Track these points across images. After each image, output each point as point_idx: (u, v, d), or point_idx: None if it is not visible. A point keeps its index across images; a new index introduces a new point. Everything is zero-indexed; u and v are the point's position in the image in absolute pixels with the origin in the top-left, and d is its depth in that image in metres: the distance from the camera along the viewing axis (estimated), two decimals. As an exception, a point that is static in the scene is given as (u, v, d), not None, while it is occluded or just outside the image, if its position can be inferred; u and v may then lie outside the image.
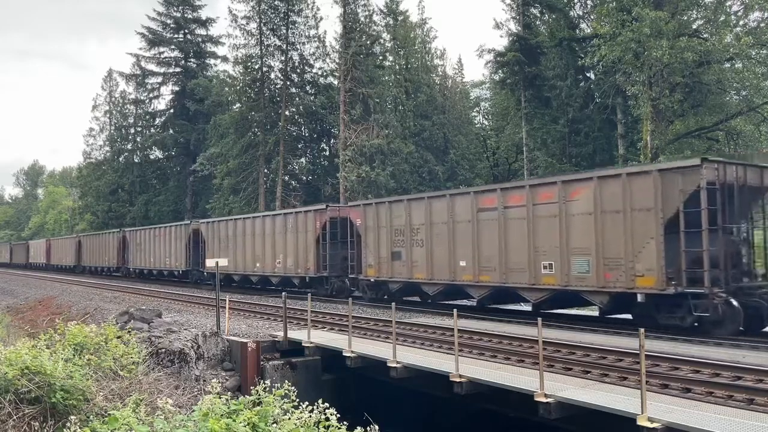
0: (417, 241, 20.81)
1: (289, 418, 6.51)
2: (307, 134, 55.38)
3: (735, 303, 13.44)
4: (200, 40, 66.21)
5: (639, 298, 14.38)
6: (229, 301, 17.64)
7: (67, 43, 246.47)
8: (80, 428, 6.69)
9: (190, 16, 65.69)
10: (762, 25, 29.25)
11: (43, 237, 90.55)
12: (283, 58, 51.76)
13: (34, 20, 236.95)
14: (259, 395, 7.12)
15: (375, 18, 49.86)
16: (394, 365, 11.48)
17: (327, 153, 55.85)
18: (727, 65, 30.08)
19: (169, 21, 65.50)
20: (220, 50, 64.98)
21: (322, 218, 25.91)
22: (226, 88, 56.45)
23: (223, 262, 17.57)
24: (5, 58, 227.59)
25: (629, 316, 16.08)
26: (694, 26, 30.81)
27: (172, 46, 66.08)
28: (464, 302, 21.06)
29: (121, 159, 71.82)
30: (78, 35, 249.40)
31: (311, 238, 26.26)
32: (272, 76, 52.69)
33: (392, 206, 22.22)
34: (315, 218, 26.21)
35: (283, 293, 15.78)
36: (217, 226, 34.51)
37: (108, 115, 75.82)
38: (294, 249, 27.27)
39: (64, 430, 7.33)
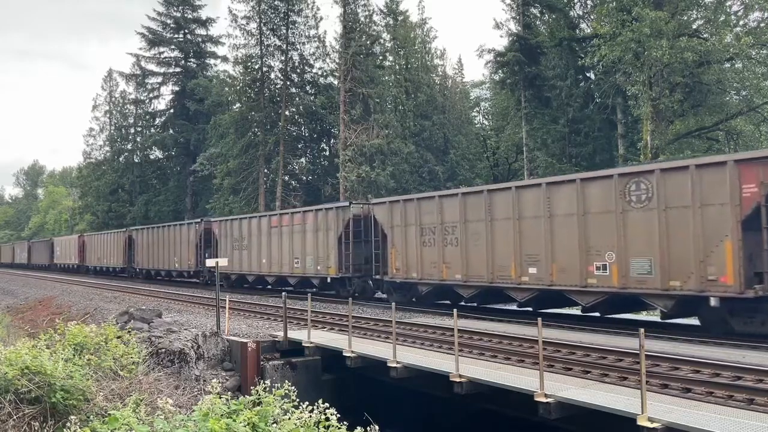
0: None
1: (289, 418, 6.51)
2: (307, 134, 55.37)
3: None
4: (200, 40, 66.23)
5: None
6: (229, 301, 17.64)
7: (67, 43, 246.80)
8: (80, 428, 6.69)
9: (190, 16, 65.71)
10: (762, 25, 29.25)
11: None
12: (283, 58, 51.76)
13: (35, 20, 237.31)
14: (259, 395, 7.12)
15: (375, 18, 49.91)
16: (394, 365, 11.48)
17: (327, 153, 55.84)
18: (727, 65, 30.09)
19: (169, 21, 65.52)
20: (220, 50, 65.11)
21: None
22: (226, 88, 56.44)
23: (223, 262, 17.56)
24: (5, 58, 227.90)
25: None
26: (694, 26, 30.80)
27: (172, 46, 66.08)
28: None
29: (121, 159, 71.84)
30: (78, 35, 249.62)
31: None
32: (272, 76, 52.72)
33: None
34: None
35: (283, 293, 15.77)
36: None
37: (108, 115, 75.86)
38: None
39: (64, 430, 7.33)
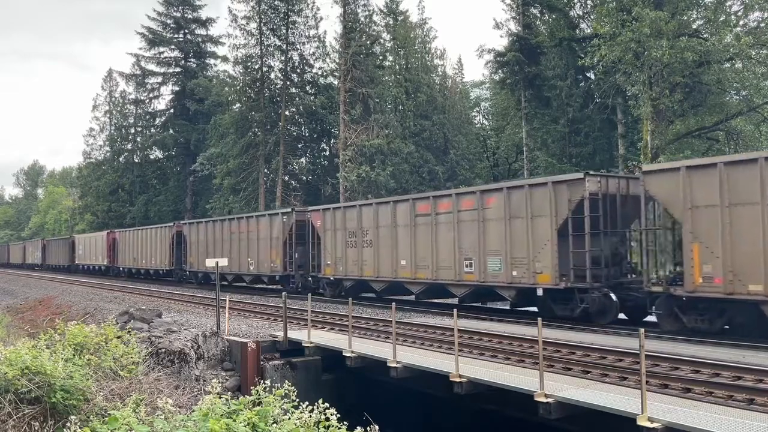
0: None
1: (289, 418, 6.51)
2: (307, 134, 55.38)
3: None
4: (200, 40, 66.25)
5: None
6: (229, 301, 17.64)
7: (71, 44, 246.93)
8: (80, 428, 6.69)
9: (190, 16, 65.75)
10: (762, 25, 29.23)
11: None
12: (283, 58, 51.77)
13: (39, 21, 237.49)
14: (259, 395, 7.12)
15: (375, 18, 49.92)
16: (394, 365, 11.48)
17: (327, 153, 55.84)
18: (727, 65, 30.06)
19: (169, 21, 65.55)
20: (220, 50, 65.12)
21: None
22: (226, 88, 56.44)
23: (223, 262, 17.59)
24: (9, 59, 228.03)
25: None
26: (694, 26, 30.79)
27: (172, 46, 66.11)
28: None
29: (121, 159, 71.85)
30: (82, 36, 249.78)
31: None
32: (272, 76, 52.73)
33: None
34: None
35: (283, 293, 15.78)
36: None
37: (108, 115, 75.81)
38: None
39: (64, 430, 7.33)
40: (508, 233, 17.52)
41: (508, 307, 20.41)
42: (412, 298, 22.07)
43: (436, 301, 22.10)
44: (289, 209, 29.57)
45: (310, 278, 27.15)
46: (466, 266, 18.75)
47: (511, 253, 17.42)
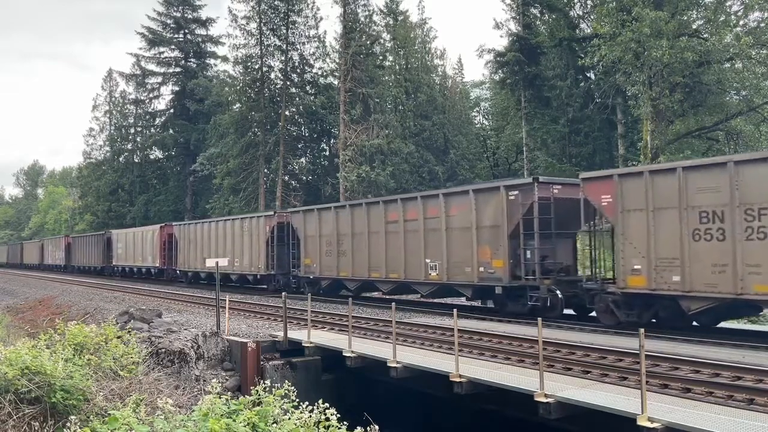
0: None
1: (289, 418, 6.51)
2: (307, 134, 55.40)
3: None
4: (200, 40, 66.26)
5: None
6: (229, 301, 17.64)
7: (71, 44, 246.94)
8: (80, 428, 6.69)
9: (190, 16, 65.76)
10: (762, 25, 29.24)
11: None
12: (283, 58, 51.77)
13: (39, 21, 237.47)
14: (259, 395, 7.12)
15: (375, 18, 49.98)
16: (394, 365, 11.48)
17: (327, 153, 55.86)
18: (727, 65, 30.08)
19: (169, 21, 65.57)
20: (220, 50, 65.18)
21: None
22: (226, 88, 56.46)
23: (223, 262, 17.59)
24: (9, 59, 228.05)
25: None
26: (694, 26, 30.81)
27: (172, 46, 66.13)
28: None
29: (121, 159, 71.86)
30: (82, 36, 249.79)
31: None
32: (272, 76, 52.74)
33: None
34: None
35: (283, 293, 15.77)
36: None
37: (108, 115, 75.85)
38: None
39: (64, 430, 7.33)
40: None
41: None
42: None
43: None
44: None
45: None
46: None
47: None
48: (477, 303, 21.84)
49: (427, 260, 20.18)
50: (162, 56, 66.48)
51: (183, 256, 37.29)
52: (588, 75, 41.13)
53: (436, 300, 23.16)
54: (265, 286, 30.39)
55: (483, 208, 18.35)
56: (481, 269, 18.23)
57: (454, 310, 11.42)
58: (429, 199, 20.51)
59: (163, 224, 41.74)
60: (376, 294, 25.00)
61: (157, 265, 40.81)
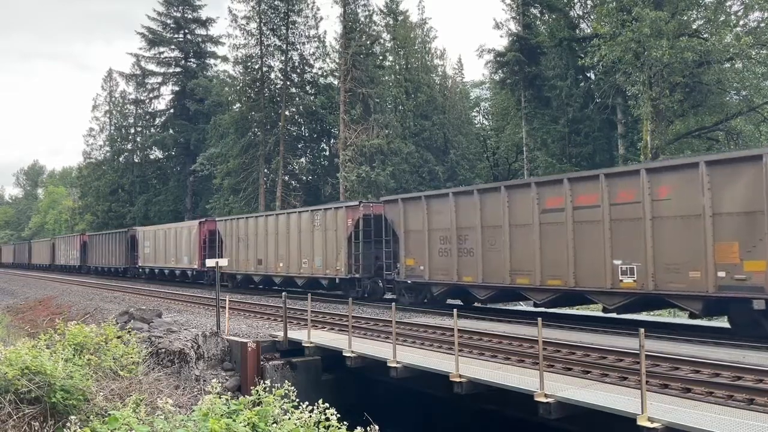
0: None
1: (289, 418, 6.51)
2: (307, 134, 55.37)
3: (380, 283, 23.73)
4: (200, 40, 66.20)
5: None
6: (229, 301, 17.64)
7: (71, 44, 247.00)
8: (80, 428, 6.69)
9: (190, 16, 65.70)
10: (762, 25, 29.24)
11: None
12: (283, 58, 51.74)
13: (39, 21, 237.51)
14: (259, 395, 7.12)
15: (375, 18, 49.93)
16: (394, 365, 11.48)
17: (327, 153, 55.84)
18: (727, 65, 30.07)
19: (169, 21, 65.51)
20: (220, 50, 65.06)
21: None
22: (226, 88, 56.44)
23: (223, 262, 17.59)
24: (9, 59, 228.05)
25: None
26: (694, 26, 30.79)
27: (172, 46, 66.06)
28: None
29: (121, 159, 71.80)
30: (83, 36, 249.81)
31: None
32: (272, 76, 52.69)
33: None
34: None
35: (284, 293, 15.77)
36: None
37: (108, 115, 75.82)
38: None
39: (64, 430, 7.33)
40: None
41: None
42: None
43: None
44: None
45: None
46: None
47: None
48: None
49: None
50: (162, 56, 66.45)
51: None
52: (588, 75, 41.11)
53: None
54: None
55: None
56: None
57: (454, 310, 11.42)
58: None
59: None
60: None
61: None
